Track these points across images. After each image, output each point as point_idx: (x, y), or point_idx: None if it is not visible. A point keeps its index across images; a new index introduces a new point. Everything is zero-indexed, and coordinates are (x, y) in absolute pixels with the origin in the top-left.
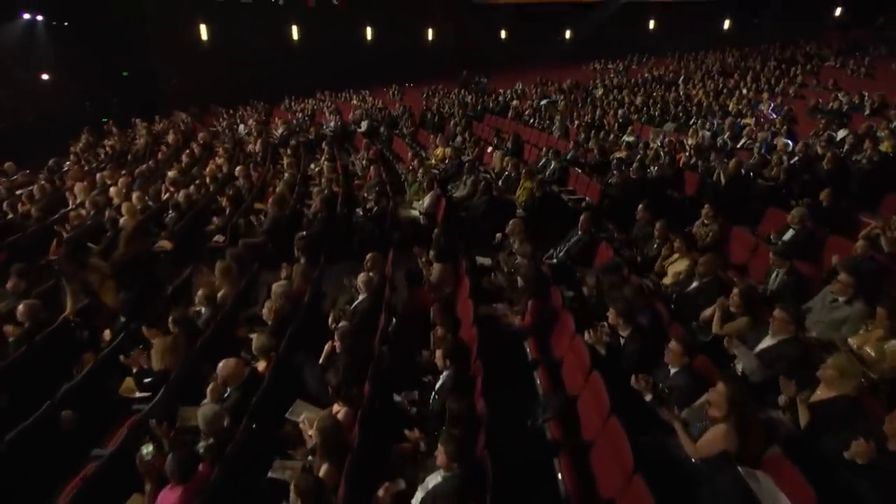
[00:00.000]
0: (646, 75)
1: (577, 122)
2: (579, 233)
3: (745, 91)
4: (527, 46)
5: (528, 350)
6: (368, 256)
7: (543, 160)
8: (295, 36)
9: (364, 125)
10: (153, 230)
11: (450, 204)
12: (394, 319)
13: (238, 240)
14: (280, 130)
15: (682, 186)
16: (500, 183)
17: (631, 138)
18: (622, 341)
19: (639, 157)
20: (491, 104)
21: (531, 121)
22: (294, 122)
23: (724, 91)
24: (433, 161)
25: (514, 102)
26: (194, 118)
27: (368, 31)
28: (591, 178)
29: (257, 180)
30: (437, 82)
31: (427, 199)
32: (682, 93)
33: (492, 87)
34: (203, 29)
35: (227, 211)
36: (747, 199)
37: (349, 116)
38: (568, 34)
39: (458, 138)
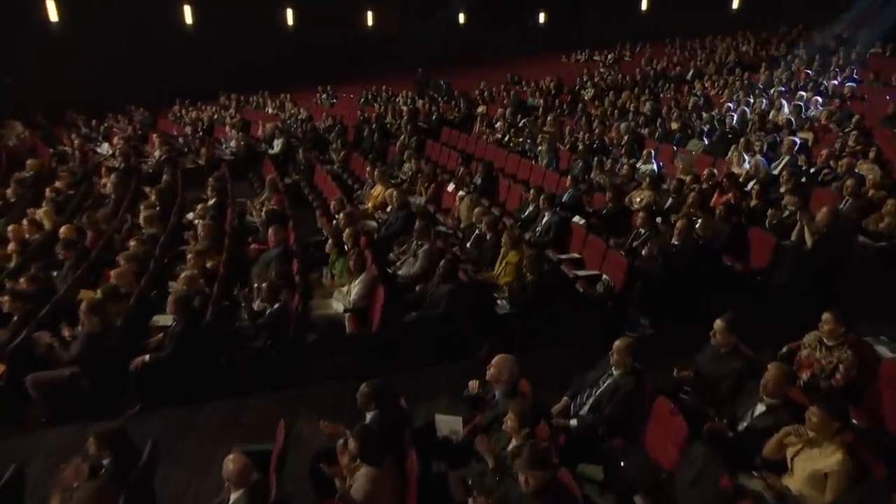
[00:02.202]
0: (645, 69)
1: (567, 141)
2: (613, 372)
3: (777, 91)
4: (491, 33)
5: None
6: (229, 461)
7: (531, 208)
8: (189, 19)
9: (277, 145)
10: None
11: (392, 292)
12: None
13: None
14: (157, 153)
15: (741, 250)
16: (468, 245)
17: (650, 166)
18: None
19: (669, 202)
20: (453, 115)
21: (505, 138)
22: (181, 139)
23: (757, 91)
24: (369, 206)
25: (481, 109)
26: (42, 131)
27: (289, 13)
28: (605, 236)
29: (98, 244)
30: (378, 81)
31: (356, 287)
32: (699, 93)
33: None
34: (52, 6)
35: (15, 319)
36: (848, 267)
37: (259, 131)
38: (542, 17)
39: (406, 167)
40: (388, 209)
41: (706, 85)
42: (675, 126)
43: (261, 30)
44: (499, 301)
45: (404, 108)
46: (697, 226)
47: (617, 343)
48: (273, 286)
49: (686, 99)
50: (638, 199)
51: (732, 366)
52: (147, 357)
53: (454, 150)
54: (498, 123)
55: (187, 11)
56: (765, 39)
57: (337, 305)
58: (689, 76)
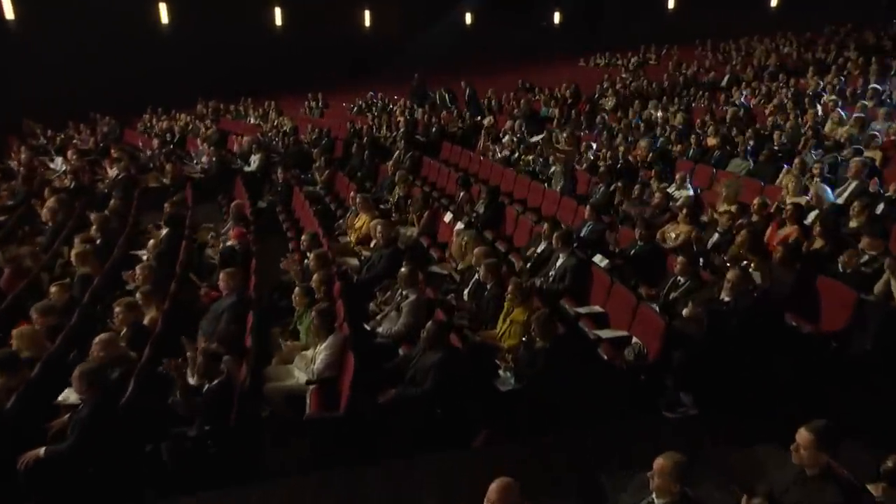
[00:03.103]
0: (674, 74)
1: (585, 160)
2: (654, 501)
3: (831, 99)
4: (501, 35)
5: None
6: None
7: (542, 245)
8: (164, 18)
9: (254, 161)
10: None
11: (367, 359)
12: None
13: None
14: (113, 171)
15: (810, 306)
16: (465, 293)
17: (686, 192)
18: None
19: (714, 238)
20: (455, 126)
21: (513, 155)
22: (147, 153)
23: (805, 100)
24: (351, 239)
25: (487, 121)
26: None
27: (277, 13)
28: (633, 283)
29: (16, 286)
30: (376, 88)
31: (321, 353)
32: (738, 103)
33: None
34: (7, 3)
35: None
36: None
37: (236, 145)
38: (557, 17)
39: (397, 191)
40: (373, 244)
41: (745, 93)
42: (711, 142)
43: (245, 31)
44: (501, 372)
45: (401, 119)
46: (751, 269)
47: (659, 462)
48: (209, 354)
49: (723, 109)
50: (673, 235)
51: (827, 499)
52: (42, 450)
53: (455, 170)
54: (506, 137)
55: (162, 10)
56: (809, 40)
57: (299, 375)
58: (724, 82)
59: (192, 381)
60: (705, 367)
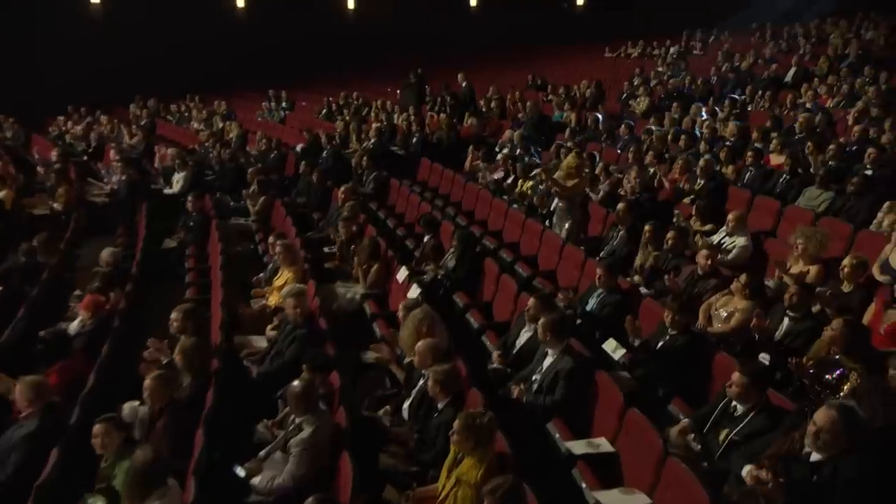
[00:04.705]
0: (723, 67)
1: (601, 189)
2: None
3: None
4: (512, 20)
5: None
6: None
7: (527, 331)
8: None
9: (178, 181)
10: None
11: None
12: None
13: None
14: None
15: None
16: (405, 407)
17: (741, 240)
18: None
19: (784, 326)
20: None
21: (508, 179)
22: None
23: None
24: (270, 302)
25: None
26: None
27: None
28: (664, 394)
29: None
30: (359, 85)
31: None
32: (812, 106)
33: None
34: None
35: None
36: None
37: (158, 157)
38: None
39: (342, 231)
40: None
41: (819, 92)
42: (776, 160)
43: (199, 15)
44: None
45: (374, 127)
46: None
47: None
48: None
49: (790, 114)
50: (723, 314)
51: None
52: None
53: (432, 198)
54: (501, 153)
55: None
56: None
57: None
58: (788, 78)
59: None
60: None
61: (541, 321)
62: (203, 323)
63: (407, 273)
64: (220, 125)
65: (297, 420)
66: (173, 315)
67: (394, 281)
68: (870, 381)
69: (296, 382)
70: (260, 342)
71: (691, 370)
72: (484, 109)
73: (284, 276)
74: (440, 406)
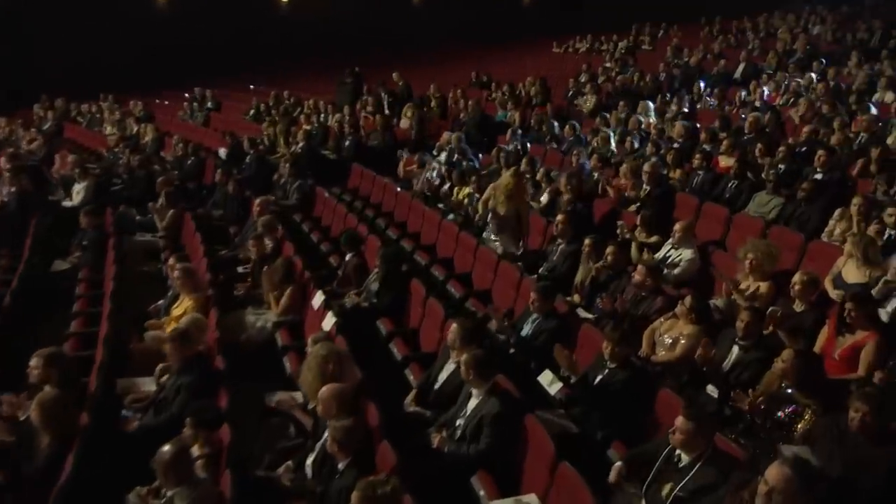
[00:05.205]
0: (672, 63)
1: (542, 195)
2: None
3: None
4: (455, 13)
5: None
6: None
7: (450, 366)
8: None
9: (78, 193)
10: None
11: None
12: None
13: None
14: None
15: None
16: (307, 468)
17: (686, 252)
18: None
19: (733, 356)
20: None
21: (444, 187)
22: None
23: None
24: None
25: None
26: None
27: None
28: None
29: None
30: (289, 82)
31: None
32: (760, 104)
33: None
34: None
35: None
36: None
37: (58, 165)
38: None
39: (253, 249)
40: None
41: (766, 89)
42: (725, 163)
43: (114, 6)
44: None
45: (304, 129)
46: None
47: None
48: None
49: (737, 112)
50: (668, 341)
51: None
52: None
53: (362, 208)
54: (438, 159)
55: None
56: (847, 16)
57: None
58: (737, 74)
59: None
60: None
61: (463, 358)
62: (70, 370)
63: (323, 298)
64: (135, 128)
65: (169, 493)
66: (32, 362)
67: (310, 307)
68: (825, 421)
69: (165, 447)
70: (150, 385)
71: (632, 409)
72: (424, 109)
73: (184, 305)
74: (340, 467)
